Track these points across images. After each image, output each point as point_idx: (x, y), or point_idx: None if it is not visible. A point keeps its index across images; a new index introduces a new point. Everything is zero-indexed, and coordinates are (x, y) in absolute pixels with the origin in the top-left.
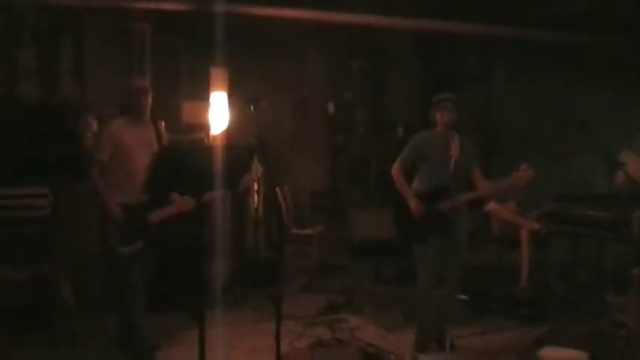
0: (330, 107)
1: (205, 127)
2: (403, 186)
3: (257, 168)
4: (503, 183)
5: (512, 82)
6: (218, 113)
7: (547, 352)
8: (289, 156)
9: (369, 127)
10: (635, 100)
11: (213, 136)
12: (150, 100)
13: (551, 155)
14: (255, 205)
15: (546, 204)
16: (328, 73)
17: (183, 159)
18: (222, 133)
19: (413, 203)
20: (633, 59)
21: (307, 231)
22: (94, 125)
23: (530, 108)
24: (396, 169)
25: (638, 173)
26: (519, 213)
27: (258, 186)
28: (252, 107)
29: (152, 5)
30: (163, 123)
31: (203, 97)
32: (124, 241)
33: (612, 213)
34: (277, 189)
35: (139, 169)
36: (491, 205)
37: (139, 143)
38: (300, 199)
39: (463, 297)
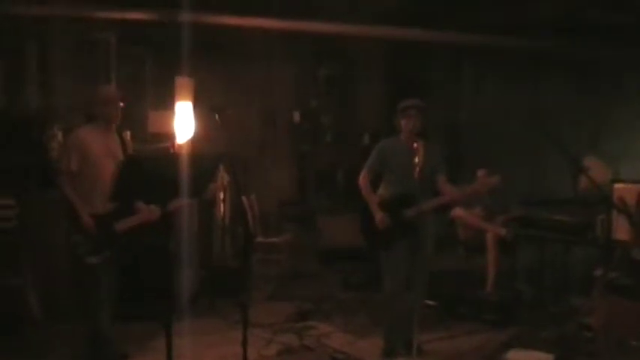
0: (296, 116)
1: (171, 137)
2: (369, 195)
3: (223, 176)
4: (468, 189)
5: (480, 87)
6: (183, 122)
7: (513, 355)
8: (256, 164)
9: (335, 135)
10: (601, 104)
11: (178, 145)
12: (118, 109)
13: (519, 159)
14: (222, 213)
15: (512, 208)
16: (294, 82)
17: (149, 168)
18: (188, 142)
19: (378, 216)
20: (600, 63)
21: (274, 239)
22: (59, 135)
23: (497, 113)
24: (362, 178)
25: (601, 178)
26: (486, 218)
27: (225, 194)
28: (217, 116)
29: (117, 15)
30: (129, 132)
31: (168, 106)
32: (92, 250)
33: (577, 217)
34: (244, 197)
35: (105, 179)
36: (457, 211)
37: (105, 152)
38: (267, 208)
39: (430, 302)
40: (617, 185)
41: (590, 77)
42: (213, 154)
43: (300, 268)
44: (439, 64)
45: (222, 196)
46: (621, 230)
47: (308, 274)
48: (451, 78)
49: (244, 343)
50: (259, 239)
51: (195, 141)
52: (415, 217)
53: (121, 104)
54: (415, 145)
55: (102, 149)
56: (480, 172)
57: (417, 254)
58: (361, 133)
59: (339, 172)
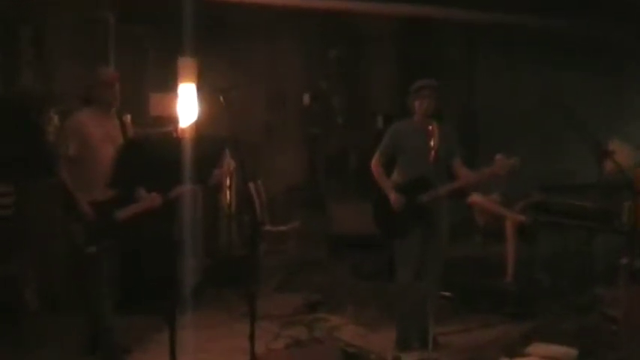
0: (306, 98)
1: (174, 120)
2: (382, 179)
3: (229, 162)
4: (485, 172)
5: (496, 68)
6: (187, 105)
7: (535, 348)
8: (263, 149)
9: (346, 117)
10: (625, 87)
11: (181, 129)
12: (117, 91)
13: (538, 143)
14: (228, 200)
15: (532, 194)
16: (304, 62)
17: (151, 152)
18: (192, 125)
19: (392, 196)
20: (624, 43)
21: (282, 227)
22: (57, 119)
23: (515, 94)
24: (375, 162)
25: (627, 162)
26: (504, 204)
27: (230, 180)
28: (222, 98)
29: None
30: (129, 116)
31: (171, 88)
32: (91, 240)
33: (601, 203)
34: (250, 183)
35: (104, 165)
36: (474, 197)
37: (104, 137)
38: (275, 194)
39: (446, 293)
40: None
41: (614, 58)
42: (217, 138)
43: (309, 256)
44: (454, 44)
45: (227, 182)
46: None
47: (317, 263)
48: (466, 58)
49: (252, 337)
50: (267, 227)
51: (198, 124)
52: (430, 202)
53: (117, 85)
54: (430, 127)
55: (101, 133)
56: (498, 156)
57: (432, 242)
58: (374, 115)
59: (351, 156)
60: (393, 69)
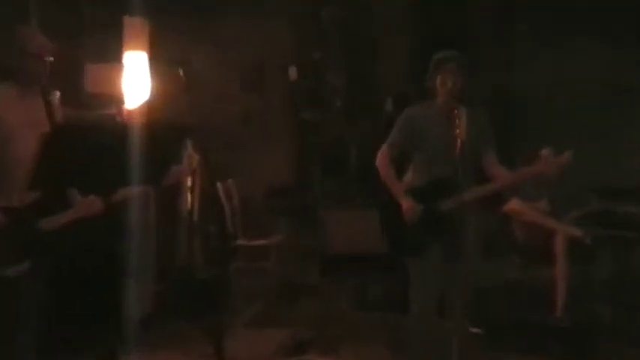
0: (293, 72)
1: (117, 100)
2: (392, 180)
3: (191, 156)
4: (527, 172)
5: (537, 46)
6: (135, 80)
7: None
8: (237, 139)
9: (346, 99)
10: None
11: (128, 112)
12: (46, 64)
13: (594, 135)
14: (189, 206)
15: (589, 201)
16: (290, 26)
17: (87, 143)
18: (142, 107)
19: (406, 203)
20: None
21: (262, 241)
22: None
23: (562, 75)
24: (382, 157)
25: None
26: (553, 213)
27: (193, 180)
28: (181, 72)
29: None
30: (58, 94)
31: (113, 57)
32: (5, 259)
33: None
34: (219, 184)
35: (24, 159)
36: (513, 204)
37: (24, 122)
38: (252, 198)
39: (475, 329)
40: None
41: None
42: (177, 124)
43: (297, 279)
44: (485, 16)
45: (189, 182)
46: None
47: (307, 288)
48: (501, 33)
49: None
50: (240, 241)
51: (151, 106)
52: (455, 210)
53: (50, 58)
54: (455, 112)
55: (20, 117)
56: (545, 151)
57: (458, 262)
58: (382, 96)
59: (352, 149)
60: (407, 37)
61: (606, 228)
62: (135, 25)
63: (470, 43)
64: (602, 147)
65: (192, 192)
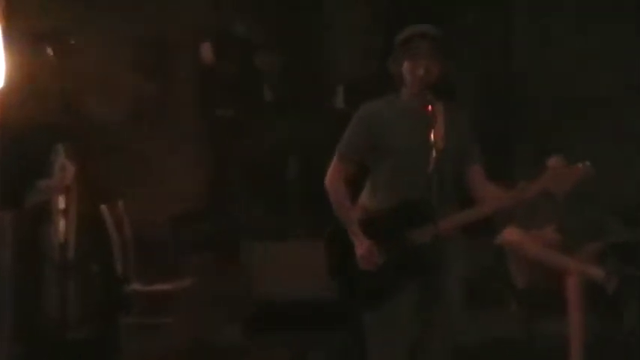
0: (207, 52)
1: None
2: (344, 205)
3: (64, 167)
4: (529, 189)
5: (541, 27)
6: None
7: None
8: (131, 145)
9: (280, 89)
10: None
11: None
12: None
13: (618, 140)
14: (62, 237)
15: (612, 229)
16: None
17: None
18: None
19: (361, 246)
20: None
21: (165, 286)
22: None
23: (570, 67)
24: (333, 173)
25: None
26: (563, 246)
27: (68, 201)
28: (50, 50)
29: None
30: None
31: None
32: None
33: None
34: (104, 207)
35: None
36: (510, 234)
37: None
38: (152, 226)
39: None
40: None
41: None
42: (44, 123)
43: (215, 338)
44: None
45: (62, 203)
46: None
47: (229, 350)
48: (494, 10)
49: None
50: (135, 286)
51: (8, 98)
52: (430, 244)
53: None
54: (430, 107)
55: None
56: (553, 161)
57: (434, 314)
58: (330, 87)
59: (290, 159)
60: (366, 10)
61: (635, 265)
62: None
63: (451, 14)
64: (626, 158)
65: (65, 217)
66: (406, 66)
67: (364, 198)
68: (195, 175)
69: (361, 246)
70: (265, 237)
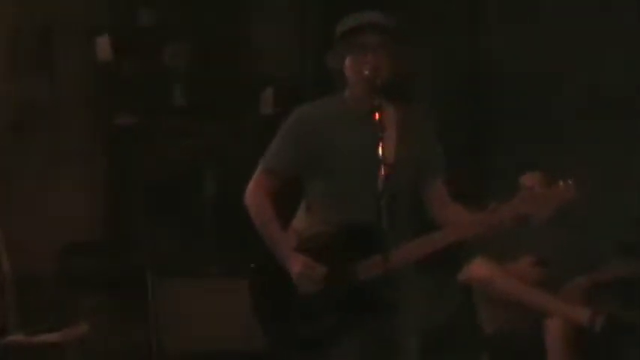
0: (104, 45)
1: None
2: (271, 227)
3: None
4: (501, 213)
5: (519, 13)
6: None
7: None
8: (9, 161)
9: (195, 91)
10: None
11: None
12: None
13: (607, 152)
14: None
15: (606, 261)
16: None
17: None
18: None
19: (295, 262)
20: None
21: (52, 335)
22: None
23: (555, 62)
24: (255, 190)
25: None
26: (545, 282)
27: None
28: None
29: None
30: None
31: None
32: None
33: None
34: None
35: None
36: (478, 268)
37: None
38: (36, 261)
39: None
40: None
41: None
42: None
43: None
44: None
45: None
46: None
47: None
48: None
49: None
50: (15, 336)
51: None
52: (380, 280)
53: None
54: (377, 114)
55: None
56: (528, 177)
57: None
58: (255, 88)
59: (206, 177)
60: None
61: (632, 308)
62: None
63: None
64: (625, 170)
65: None
66: (349, 63)
67: (297, 222)
68: (88, 197)
69: (296, 263)
70: (176, 273)
